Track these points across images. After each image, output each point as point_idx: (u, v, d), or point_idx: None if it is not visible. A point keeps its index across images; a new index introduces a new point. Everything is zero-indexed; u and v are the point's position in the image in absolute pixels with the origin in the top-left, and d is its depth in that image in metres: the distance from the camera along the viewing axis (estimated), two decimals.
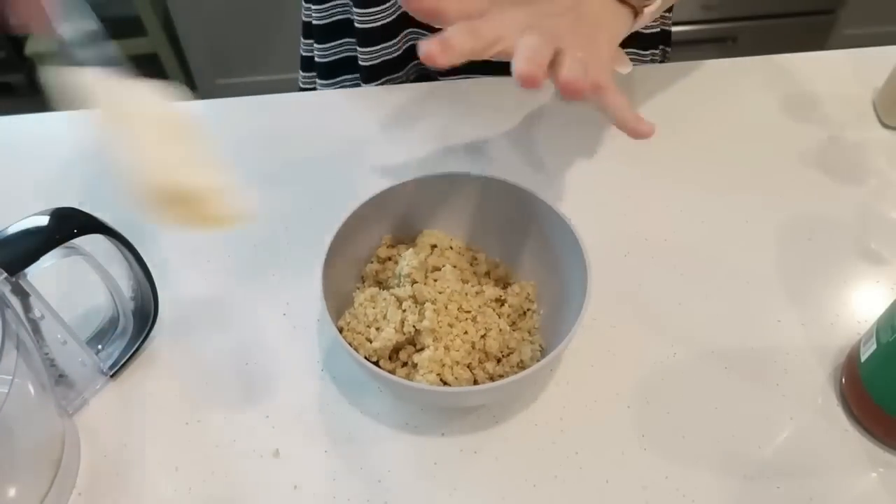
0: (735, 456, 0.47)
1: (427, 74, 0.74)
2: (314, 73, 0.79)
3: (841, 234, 0.59)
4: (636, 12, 0.50)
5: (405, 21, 0.69)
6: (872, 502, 0.45)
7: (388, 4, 0.67)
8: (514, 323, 0.51)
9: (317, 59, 0.76)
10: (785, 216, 0.60)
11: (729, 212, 0.60)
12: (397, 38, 0.70)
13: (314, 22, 0.73)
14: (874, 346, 0.45)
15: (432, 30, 0.40)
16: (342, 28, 0.72)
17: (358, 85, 0.76)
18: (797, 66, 0.73)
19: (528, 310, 0.52)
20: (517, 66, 0.38)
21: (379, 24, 0.68)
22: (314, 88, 0.82)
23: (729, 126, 0.67)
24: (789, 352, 0.51)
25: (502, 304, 0.51)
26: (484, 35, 0.40)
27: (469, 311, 0.49)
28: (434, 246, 0.53)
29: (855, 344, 0.49)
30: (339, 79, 0.77)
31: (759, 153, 0.65)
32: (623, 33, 0.50)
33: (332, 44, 0.74)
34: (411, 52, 0.72)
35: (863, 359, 0.46)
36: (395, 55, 0.71)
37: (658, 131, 0.52)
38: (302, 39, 0.80)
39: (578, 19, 0.45)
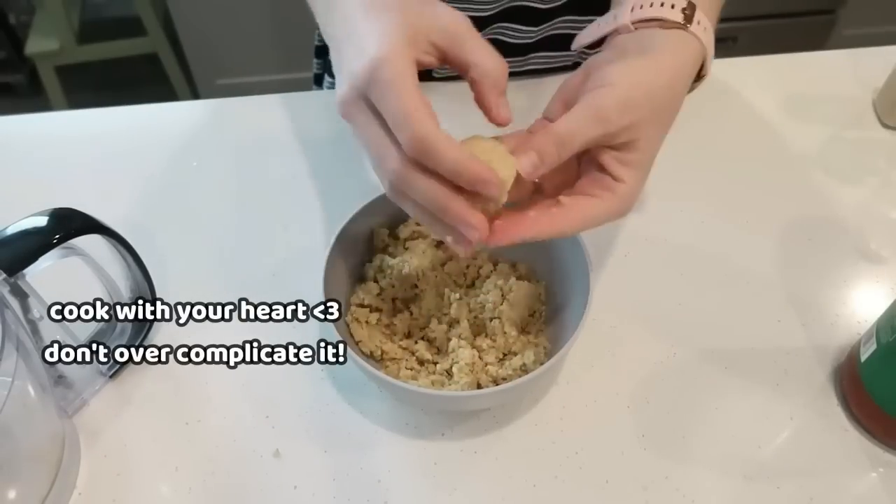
0: (735, 456, 0.47)
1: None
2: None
3: (841, 233, 0.59)
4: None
5: None
6: (872, 502, 0.45)
7: None
8: (523, 318, 0.50)
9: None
10: (785, 216, 0.60)
11: (729, 212, 0.60)
12: None
13: None
14: (874, 346, 0.45)
15: None
16: None
17: None
18: (797, 66, 0.73)
19: (536, 311, 0.52)
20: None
21: None
22: (324, 74, 0.81)
23: (729, 126, 0.67)
24: (789, 352, 0.51)
25: (511, 305, 0.51)
26: None
27: (478, 317, 0.49)
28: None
29: (855, 344, 0.49)
30: None
31: (759, 153, 0.65)
32: None
33: None
34: None
35: (863, 359, 0.46)
36: None
37: None
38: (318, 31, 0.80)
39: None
